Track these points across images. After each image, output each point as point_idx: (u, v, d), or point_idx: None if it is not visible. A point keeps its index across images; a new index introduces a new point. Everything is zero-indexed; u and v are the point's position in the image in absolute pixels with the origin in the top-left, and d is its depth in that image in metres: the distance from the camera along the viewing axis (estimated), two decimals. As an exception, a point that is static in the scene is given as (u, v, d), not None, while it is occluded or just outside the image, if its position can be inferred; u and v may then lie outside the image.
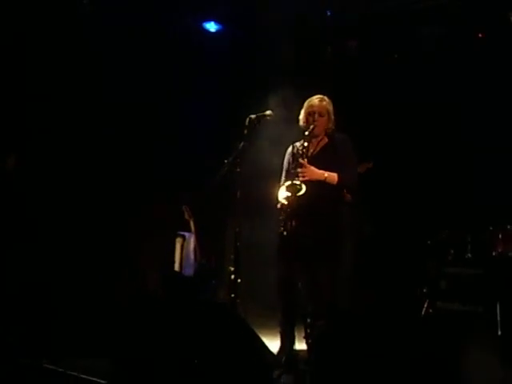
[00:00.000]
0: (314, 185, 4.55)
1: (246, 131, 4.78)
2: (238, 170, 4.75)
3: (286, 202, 4.60)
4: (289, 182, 4.61)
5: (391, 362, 4.02)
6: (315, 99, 4.79)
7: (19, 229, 5.71)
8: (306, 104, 4.82)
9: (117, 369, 4.12)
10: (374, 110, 6.79)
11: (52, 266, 5.81)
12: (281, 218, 4.65)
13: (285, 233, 4.58)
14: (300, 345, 4.83)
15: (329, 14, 6.72)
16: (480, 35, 6.53)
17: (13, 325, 4.97)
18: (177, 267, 6.67)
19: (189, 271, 6.56)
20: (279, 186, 4.81)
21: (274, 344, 4.81)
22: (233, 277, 4.72)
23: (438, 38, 6.74)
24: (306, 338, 4.63)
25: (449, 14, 6.54)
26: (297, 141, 4.88)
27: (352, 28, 7.02)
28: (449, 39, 6.60)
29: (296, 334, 4.75)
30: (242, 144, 4.76)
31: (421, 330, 4.58)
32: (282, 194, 4.66)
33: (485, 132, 6.31)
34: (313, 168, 4.59)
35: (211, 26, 7.05)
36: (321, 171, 4.61)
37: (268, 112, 4.84)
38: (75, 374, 4.22)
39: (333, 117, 4.78)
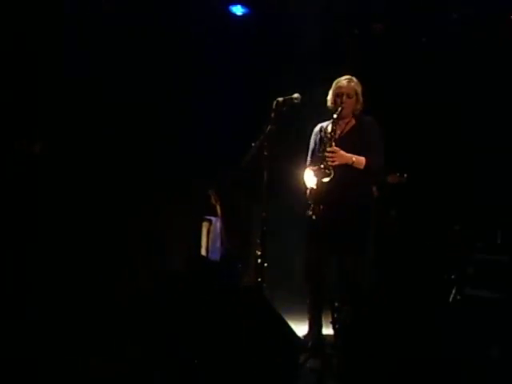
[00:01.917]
0: (342, 169, 4.52)
1: (273, 114, 4.74)
2: (266, 153, 4.72)
3: (314, 187, 4.58)
4: (316, 167, 4.59)
5: (417, 348, 4.01)
6: (343, 80, 4.74)
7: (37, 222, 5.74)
8: (333, 85, 4.77)
9: (144, 352, 4.16)
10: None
11: (69, 249, 5.83)
12: (309, 202, 4.63)
13: (314, 217, 4.56)
14: (327, 330, 4.82)
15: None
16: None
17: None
18: (203, 252, 6.68)
19: (215, 256, 6.57)
20: (305, 167, 4.79)
21: (300, 328, 4.81)
22: (259, 261, 4.71)
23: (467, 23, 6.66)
24: (333, 322, 4.61)
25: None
26: (324, 121, 4.83)
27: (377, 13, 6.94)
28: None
29: (323, 318, 4.74)
30: (269, 127, 4.73)
31: (448, 316, 4.58)
32: (310, 179, 4.64)
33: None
34: (342, 152, 4.55)
35: (238, 10, 7.00)
36: (349, 155, 4.56)
37: (295, 95, 4.77)
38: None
39: (361, 98, 4.73)
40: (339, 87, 4.71)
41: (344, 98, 4.66)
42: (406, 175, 6.11)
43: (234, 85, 6.86)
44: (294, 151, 5.35)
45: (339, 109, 4.63)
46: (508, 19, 6.45)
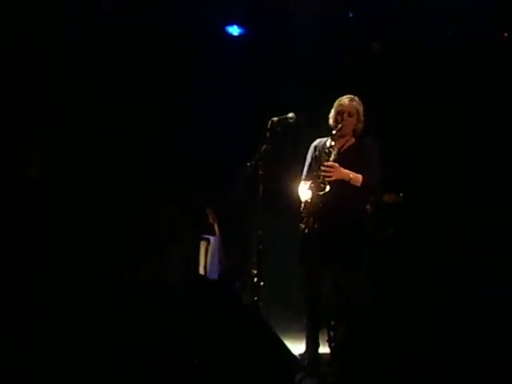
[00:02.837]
0: (338, 185, 4.55)
1: (268, 134, 4.79)
2: (261, 172, 4.76)
3: (308, 200, 4.61)
4: (312, 180, 4.63)
5: (414, 365, 4.01)
6: (345, 99, 4.78)
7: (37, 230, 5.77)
8: (336, 103, 4.81)
9: (137, 367, 4.17)
10: (395, 109, 6.74)
11: (71, 265, 5.84)
12: (302, 215, 4.66)
13: (306, 230, 4.59)
14: (323, 348, 4.82)
15: (351, 15, 6.70)
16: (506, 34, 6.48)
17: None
18: (201, 271, 6.68)
19: (213, 275, 6.58)
20: (300, 181, 4.83)
21: (297, 347, 4.81)
22: (255, 280, 4.73)
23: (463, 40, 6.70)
24: (329, 341, 4.61)
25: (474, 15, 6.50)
26: (322, 136, 4.87)
27: (376, 29, 6.98)
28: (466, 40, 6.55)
29: (320, 336, 4.74)
30: (264, 147, 4.77)
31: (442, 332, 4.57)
32: (304, 192, 4.68)
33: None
34: (340, 168, 4.59)
35: (234, 30, 7.06)
36: (347, 171, 4.59)
37: (290, 114, 4.82)
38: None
39: (362, 117, 4.78)
40: (341, 105, 4.76)
41: (345, 116, 4.71)
42: (402, 195, 6.12)
43: (230, 104, 6.90)
44: (290, 170, 5.37)
45: (339, 125, 4.68)
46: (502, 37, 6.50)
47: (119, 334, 4.70)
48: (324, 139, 4.83)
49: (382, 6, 6.67)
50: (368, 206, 5.37)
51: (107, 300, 5.47)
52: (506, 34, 6.50)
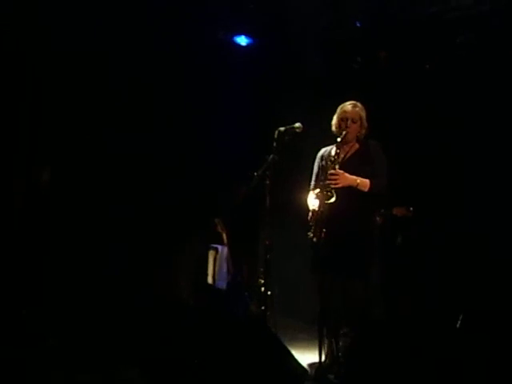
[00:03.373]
0: (345, 192, 4.55)
1: (275, 144, 4.82)
2: (268, 182, 4.78)
3: (316, 209, 4.61)
4: (319, 189, 4.63)
5: (422, 375, 4.00)
6: (348, 105, 4.79)
7: (49, 239, 5.83)
8: (338, 110, 4.82)
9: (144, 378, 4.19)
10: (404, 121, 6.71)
11: (78, 273, 5.90)
12: (311, 224, 4.67)
13: (314, 239, 4.59)
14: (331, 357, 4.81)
15: (358, 24, 6.69)
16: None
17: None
18: (210, 280, 6.69)
19: (222, 284, 6.58)
20: (308, 191, 4.84)
21: (304, 356, 4.81)
22: (263, 289, 4.74)
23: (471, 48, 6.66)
24: (337, 349, 4.61)
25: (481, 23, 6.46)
26: (327, 145, 4.89)
27: (382, 38, 6.96)
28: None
29: (327, 345, 4.74)
30: (271, 157, 4.80)
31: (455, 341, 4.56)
32: (312, 201, 4.68)
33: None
34: (346, 174, 4.58)
35: (242, 40, 7.08)
36: (353, 177, 4.59)
37: (297, 124, 4.85)
38: None
39: (365, 123, 4.78)
40: (344, 112, 4.77)
41: (349, 122, 4.71)
42: (412, 208, 6.07)
43: (237, 114, 6.92)
44: (297, 179, 5.39)
45: (343, 133, 4.68)
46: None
47: (129, 344, 4.75)
48: (329, 147, 4.84)
49: (389, 15, 6.66)
50: (378, 218, 5.38)
51: (117, 310, 5.52)
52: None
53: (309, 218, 4.71)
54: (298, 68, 6.87)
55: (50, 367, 4.47)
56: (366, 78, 6.92)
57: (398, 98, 6.71)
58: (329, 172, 4.61)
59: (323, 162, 4.82)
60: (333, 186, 4.55)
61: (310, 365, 4.72)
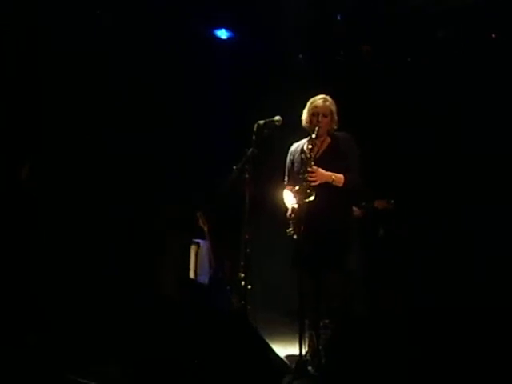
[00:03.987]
0: (322, 188, 4.52)
1: (254, 137, 4.78)
2: (247, 176, 4.75)
3: (295, 207, 4.58)
4: (298, 187, 4.60)
5: (402, 368, 4.01)
6: (318, 99, 4.74)
7: (32, 238, 5.78)
8: (308, 104, 4.78)
9: (128, 373, 4.17)
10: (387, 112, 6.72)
11: (65, 272, 5.86)
12: (290, 221, 4.63)
13: (295, 236, 4.57)
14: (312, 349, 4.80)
15: (339, 18, 6.68)
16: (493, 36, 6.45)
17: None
18: (192, 274, 6.68)
19: (204, 278, 6.57)
20: (283, 187, 4.81)
21: (284, 350, 4.80)
22: (243, 283, 4.72)
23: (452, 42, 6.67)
24: (317, 343, 4.60)
25: (463, 16, 6.48)
26: (299, 139, 4.85)
27: (364, 32, 6.96)
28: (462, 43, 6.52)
29: (308, 339, 4.73)
30: (250, 150, 4.76)
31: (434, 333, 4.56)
32: (289, 199, 4.65)
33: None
34: (321, 171, 4.55)
35: (222, 33, 7.05)
36: (329, 173, 4.56)
37: (277, 118, 4.81)
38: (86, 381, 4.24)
39: (336, 117, 4.74)
40: (315, 107, 4.73)
41: (320, 117, 4.68)
42: (393, 201, 6.08)
43: (217, 108, 6.91)
44: (276, 173, 5.36)
45: (316, 128, 4.63)
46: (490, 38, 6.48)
47: (113, 339, 4.74)
48: (301, 142, 4.81)
49: (371, 8, 6.65)
50: (355, 209, 5.37)
51: (102, 307, 5.50)
52: (493, 36, 6.48)
53: (287, 215, 4.67)
54: (281, 62, 6.86)
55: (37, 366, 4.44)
56: (348, 71, 6.93)
57: (380, 92, 6.72)
58: (307, 169, 4.56)
59: (295, 158, 4.80)
60: (311, 184, 4.51)
61: (291, 358, 4.70)
